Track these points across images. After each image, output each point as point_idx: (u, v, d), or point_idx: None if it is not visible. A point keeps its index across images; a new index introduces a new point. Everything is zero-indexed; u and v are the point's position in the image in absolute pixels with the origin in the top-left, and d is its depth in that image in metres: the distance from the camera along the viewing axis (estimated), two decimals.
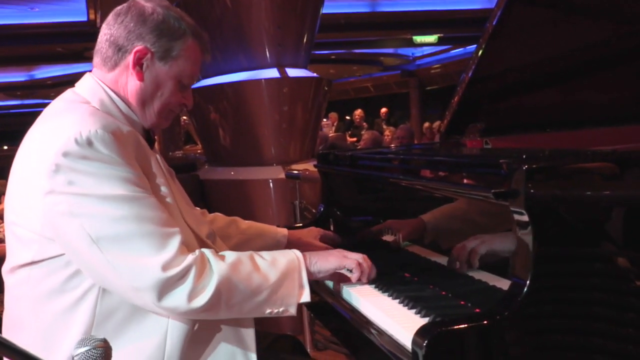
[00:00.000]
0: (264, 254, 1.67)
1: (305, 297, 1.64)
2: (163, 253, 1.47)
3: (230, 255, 1.59)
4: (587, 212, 1.38)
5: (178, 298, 1.48)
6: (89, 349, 1.01)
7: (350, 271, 1.78)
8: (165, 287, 1.46)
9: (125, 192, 1.47)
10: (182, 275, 1.48)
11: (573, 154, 1.72)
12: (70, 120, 1.53)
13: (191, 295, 1.48)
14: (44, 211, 1.49)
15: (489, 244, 1.62)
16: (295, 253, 1.69)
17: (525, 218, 1.32)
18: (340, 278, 1.79)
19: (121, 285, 1.48)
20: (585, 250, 1.36)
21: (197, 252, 1.54)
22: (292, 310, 1.63)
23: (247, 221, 2.18)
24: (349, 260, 1.75)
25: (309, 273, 1.68)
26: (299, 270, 1.65)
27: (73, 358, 1.01)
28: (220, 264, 1.54)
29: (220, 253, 1.61)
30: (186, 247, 1.55)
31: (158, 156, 1.72)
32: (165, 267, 1.46)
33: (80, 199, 1.45)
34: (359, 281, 1.77)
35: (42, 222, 1.50)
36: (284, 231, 2.17)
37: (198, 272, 1.50)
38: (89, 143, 1.46)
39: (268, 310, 1.61)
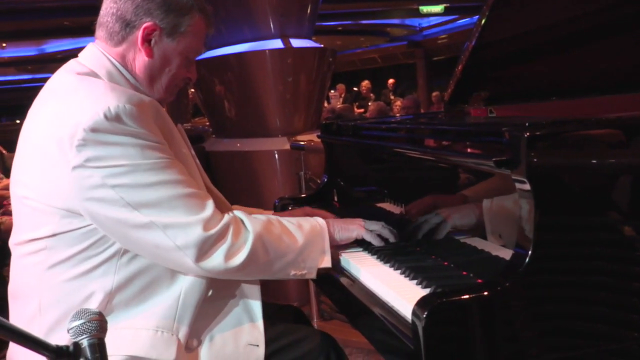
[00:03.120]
0: (289, 218, 1.74)
1: (327, 262, 1.71)
2: (203, 212, 1.53)
3: (261, 217, 1.66)
4: (590, 180, 1.36)
5: (217, 257, 1.53)
6: (84, 322, 1.02)
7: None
8: (206, 245, 1.51)
9: (155, 160, 1.51)
10: (221, 233, 1.53)
11: (576, 121, 1.69)
12: (90, 95, 1.54)
13: (229, 254, 1.54)
14: (71, 185, 1.49)
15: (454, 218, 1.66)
16: (318, 220, 1.76)
17: (527, 187, 1.30)
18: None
19: (164, 244, 1.51)
20: (587, 219, 1.34)
21: (231, 213, 1.61)
22: (314, 274, 1.70)
23: (239, 207, 2.17)
24: (369, 235, 1.82)
25: (332, 239, 1.76)
26: (322, 236, 1.72)
27: (68, 331, 1.01)
28: (255, 223, 1.60)
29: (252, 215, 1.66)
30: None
31: (179, 125, 1.75)
32: (206, 225, 1.51)
33: (114, 170, 1.47)
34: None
35: (66, 196, 1.51)
36: (269, 213, 2.16)
37: (235, 231, 1.56)
38: (118, 118, 1.47)
39: (293, 272, 1.67)
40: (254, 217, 1.65)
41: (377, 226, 1.85)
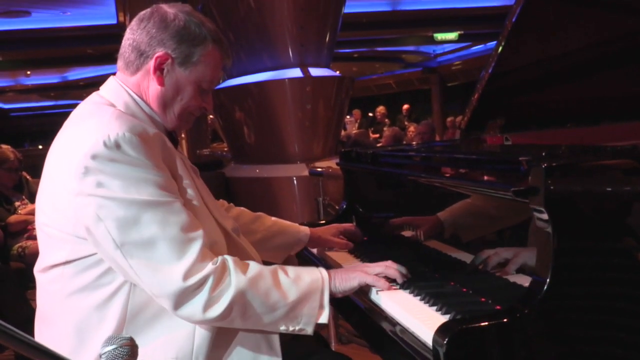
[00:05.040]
0: (290, 269, 1.66)
1: (324, 318, 1.64)
2: (183, 260, 1.50)
3: (253, 268, 1.60)
4: (607, 210, 1.38)
5: (194, 308, 1.51)
6: (116, 347, 1.03)
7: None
8: (182, 297, 1.50)
9: (151, 197, 1.50)
10: (199, 285, 1.50)
11: (593, 151, 1.72)
12: (97, 123, 1.57)
13: (206, 306, 1.51)
14: (74, 212, 1.53)
15: (523, 256, 1.61)
16: (321, 272, 1.69)
17: (545, 216, 1.32)
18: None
19: (146, 290, 1.54)
20: (605, 247, 1.36)
21: (219, 259, 1.55)
22: (309, 330, 1.63)
23: (272, 218, 2.22)
24: (370, 278, 1.72)
25: (332, 293, 1.68)
26: (321, 291, 1.65)
27: (100, 356, 1.03)
28: (240, 277, 1.55)
29: (245, 262, 1.62)
30: (214, 243, 1.59)
31: (183, 156, 1.76)
32: (185, 276, 1.49)
33: (106, 202, 1.49)
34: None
35: (73, 223, 1.54)
36: (305, 230, 2.21)
37: (215, 282, 1.52)
38: (117, 146, 1.50)
39: (283, 327, 1.62)
40: (246, 265, 1.60)
41: (380, 268, 1.74)
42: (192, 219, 1.57)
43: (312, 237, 2.22)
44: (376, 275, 1.73)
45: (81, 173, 1.49)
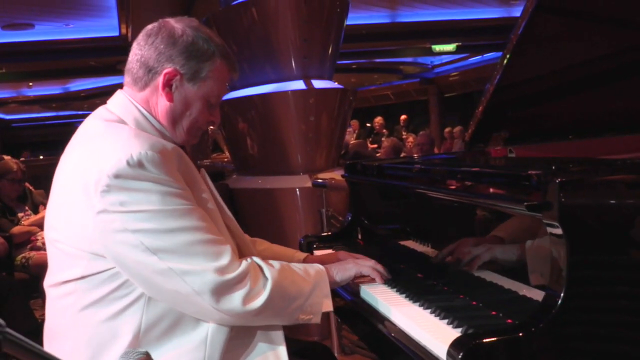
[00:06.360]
0: (296, 264, 1.77)
1: (329, 306, 1.76)
2: (219, 259, 1.55)
3: (275, 263, 1.69)
4: (619, 224, 1.38)
5: (235, 301, 1.56)
6: None
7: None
8: (222, 290, 1.54)
9: (176, 207, 1.53)
10: (239, 280, 1.56)
11: (601, 165, 1.73)
12: (115, 141, 1.58)
13: (247, 299, 1.57)
14: (95, 229, 1.53)
15: (493, 252, 1.69)
16: (318, 265, 1.83)
17: (559, 231, 1.33)
18: (361, 281, 1.96)
19: (182, 290, 1.54)
20: (618, 261, 1.37)
21: (249, 259, 1.63)
22: (319, 318, 1.74)
23: (267, 244, 2.18)
24: (364, 268, 1.92)
25: (333, 283, 1.84)
26: (325, 281, 1.77)
27: None
28: (272, 270, 1.65)
29: (264, 260, 1.69)
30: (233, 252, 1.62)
31: (202, 170, 1.78)
32: (221, 271, 1.54)
33: (135, 215, 1.51)
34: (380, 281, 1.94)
35: (91, 240, 1.55)
36: (300, 257, 2.16)
37: (254, 277, 1.59)
38: (140, 164, 1.51)
39: (301, 317, 1.70)
40: (270, 262, 1.69)
41: (370, 262, 1.94)
42: (214, 226, 1.63)
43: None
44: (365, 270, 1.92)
45: (102, 191, 1.50)
